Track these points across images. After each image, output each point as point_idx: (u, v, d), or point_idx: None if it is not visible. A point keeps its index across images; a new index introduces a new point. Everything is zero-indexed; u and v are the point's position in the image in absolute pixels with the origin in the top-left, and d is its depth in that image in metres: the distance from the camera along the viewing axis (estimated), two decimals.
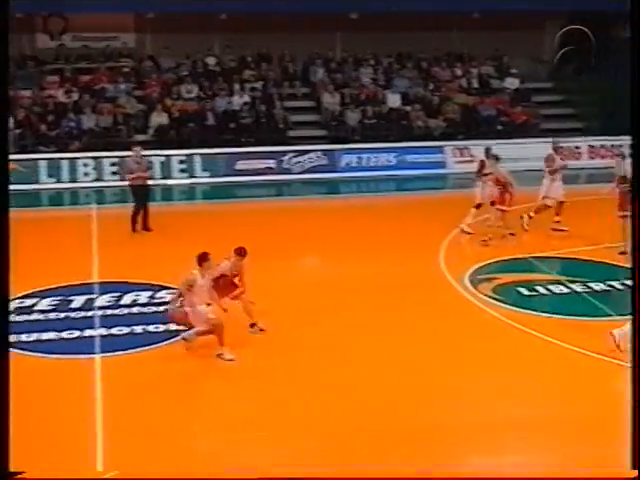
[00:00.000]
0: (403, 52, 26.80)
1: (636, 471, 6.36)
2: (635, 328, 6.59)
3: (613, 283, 14.49)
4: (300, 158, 22.59)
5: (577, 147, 23.99)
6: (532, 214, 17.12)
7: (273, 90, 25.04)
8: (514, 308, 13.37)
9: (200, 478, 8.50)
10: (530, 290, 14.14)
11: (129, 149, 22.63)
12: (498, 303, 13.60)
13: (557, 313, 13.22)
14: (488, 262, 15.40)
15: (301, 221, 18.27)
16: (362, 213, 19.26)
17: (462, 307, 13.57)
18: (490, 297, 13.85)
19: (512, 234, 17.03)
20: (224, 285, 12.01)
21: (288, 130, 24.49)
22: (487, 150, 17.72)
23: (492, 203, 16.92)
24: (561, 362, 11.65)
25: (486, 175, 16.98)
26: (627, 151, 17.75)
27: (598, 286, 14.33)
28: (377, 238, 17.02)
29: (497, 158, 17.25)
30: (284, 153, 22.66)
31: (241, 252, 12.01)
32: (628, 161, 16.62)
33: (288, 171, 22.45)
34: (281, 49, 26.21)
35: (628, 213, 15.73)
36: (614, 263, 15.50)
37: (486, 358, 11.74)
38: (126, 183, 17.49)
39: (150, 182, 17.42)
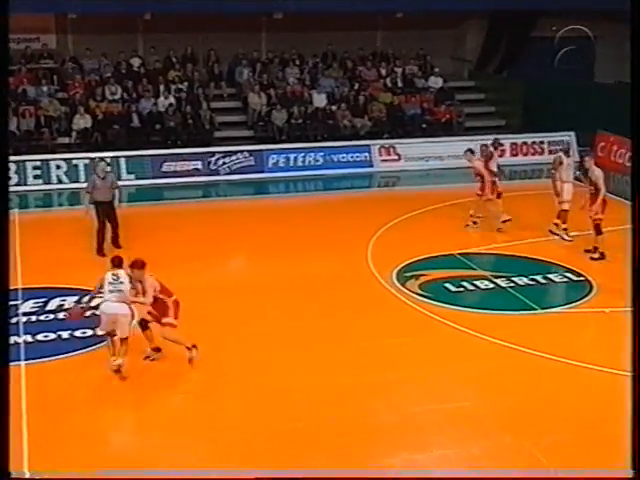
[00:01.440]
0: (328, 52, 26.87)
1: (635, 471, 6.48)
2: (635, 328, 6.74)
3: (536, 277, 14.82)
4: (227, 159, 22.46)
5: (500, 145, 24.30)
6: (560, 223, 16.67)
7: (199, 91, 24.85)
8: (441, 304, 13.56)
9: (199, 478, 8.45)
10: (457, 286, 14.35)
11: (52, 152, 22.45)
12: (425, 299, 13.78)
13: (483, 308, 13.47)
14: (415, 259, 15.56)
15: (229, 222, 18.19)
16: (290, 213, 19.28)
17: (390, 304, 13.71)
18: (417, 294, 14.02)
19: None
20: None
21: (215, 131, 24.34)
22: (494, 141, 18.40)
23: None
24: (487, 356, 11.88)
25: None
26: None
27: (522, 280, 14.63)
28: (305, 237, 17.07)
29: (472, 152, 17.86)
30: (211, 154, 22.49)
31: (135, 264, 11.13)
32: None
33: (215, 172, 22.30)
34: (206, 50, 26.04)
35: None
36: (537, 258, 15.87)
37: (415, 354, 11.90)
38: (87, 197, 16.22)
39: (114, 199, 16.22)
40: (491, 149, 18.03)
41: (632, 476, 6.49)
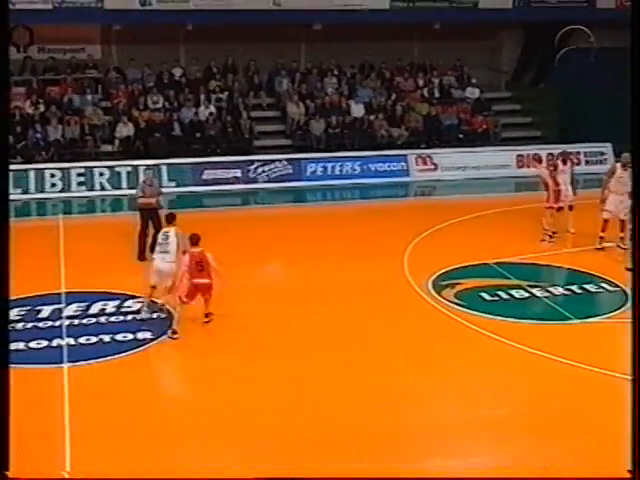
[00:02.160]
0: (366, 62, 26.89)
1: (635, 471, 6.44)
2: (635, 328, 6.67)
3: (572, 287, 14.67)
4: (266, 167, 22.58)
5: (536, 154, 24.21)
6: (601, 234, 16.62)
7: (239, 100, 25.01)
8: (477, 313, 13.47)
9: (201, 478, 8.48)
10: (492, 295, 14.25)
11: (96, 159, 22.71)
12: (461, 308, 13.70)
13: (518, 317, 13.35)
14: (451, 268, 15.48)
15: (268, 229, 18.25)
16: (327, 220, 19.31)
17: (426, 312, 13.66)
18: (453, 302, 13.94)
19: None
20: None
21: (254, 140, 24.48)
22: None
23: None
24: (522, 365, 11.78)
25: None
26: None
27: (557, 290, 14.51)
28: (342, 245, 17.06)
29: (539, 159, 18.98)
30: (250, 162, 22.63)
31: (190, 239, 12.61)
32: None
33: (254, 180, 22.42)
34: (246, 60, 26.19)
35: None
36: (573, 268, 15.72)
37: (449, 361, 11.84)
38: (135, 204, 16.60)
39: (157, 206, 16.25)
40: (557, 161, 17.95)
41: (632, 476, 6.42)
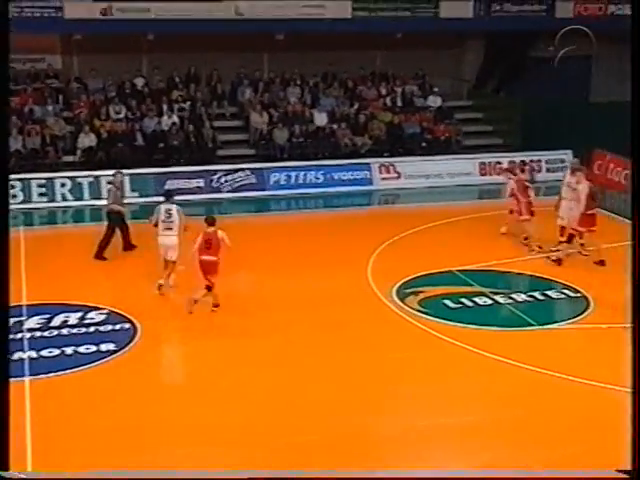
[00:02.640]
0: (329, 72, 26.93)
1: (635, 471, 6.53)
2: (635, 328, 6.76)
3: (534, 294, 14.82)
4: (229, 177, 22.50)
5: (499, 163, 24.43)
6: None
7: (201, 110, 24.92)
8: (441, 320, 13.56)
9: (199, 478, 8.48)
10: (455, 302, 14.35)
11: (57, 170, 22.47)
12: (425, 316, 13.78)
13: (482, 324, 13.45)
14: (414, 276, 15.57)
15: (231, 239, 18.16)
16: (291, 230, 19.29)
17: (390, 320, 13.71)
18: (417, 310, 14.02)
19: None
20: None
21: (217, 149, 24.39)
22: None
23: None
24: (486, 371, 11.87)
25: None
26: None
27: (520, 297, 14.64)
28: (306, 254, 17.06)
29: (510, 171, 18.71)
30: (213, 172, 22.54)
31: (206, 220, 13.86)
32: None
33: (217, 190, 22.34)
34: (209, 69, 26.13)
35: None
36: (534, 274, 15.87)
37: (414, 369, 11.90)
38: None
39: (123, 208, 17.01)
40: (516, 170, 18.33)
41: (632, 476, 6.51)
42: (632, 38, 7.10)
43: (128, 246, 16.99)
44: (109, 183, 17.71)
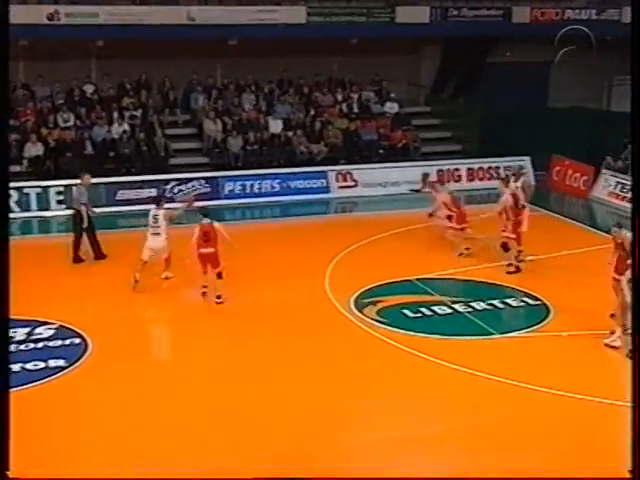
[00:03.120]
0: (284, 78, 27.01)
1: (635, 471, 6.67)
2: (636, 327, 6.87)
3: (494, 302, 14.97)
4: (182, 186, 22.42)
5: (457, 170, 24.68)
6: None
7: (153, 118, 24.81)
8: (399, 330, 13.64)
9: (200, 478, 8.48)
10: (414, 312, 14.44)
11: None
12: (383, 326, 13.85)
13: (441, 333, 13.56)
14: (372, 285, 15.64)
15: (185, 249, 18.10)
16: (247, 240, 19.16)
17: (348, 331, 13.75)
18: (375, 320, 14.09)
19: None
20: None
21: (169, 158, 24.28)
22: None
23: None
24: (446, 381, 11.96)
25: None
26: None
27: (479, 305, 14.77)
28: (262, 264, 17.04)
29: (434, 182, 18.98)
30: (166, 182, 22.45)
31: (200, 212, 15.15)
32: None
33: (170, 200, 22.19)
34: (161, 76, 26.03)
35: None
36: (494, 282, 16.03)
37: (374, 381, 11.94)
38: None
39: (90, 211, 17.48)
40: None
41: (631, 476, 6.65)
42: (632, 38, 7.23)
43: (99, 255, 17.24)
44: (76, 185, 17.89)
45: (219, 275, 14.86)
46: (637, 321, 6.92)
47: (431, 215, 18.11)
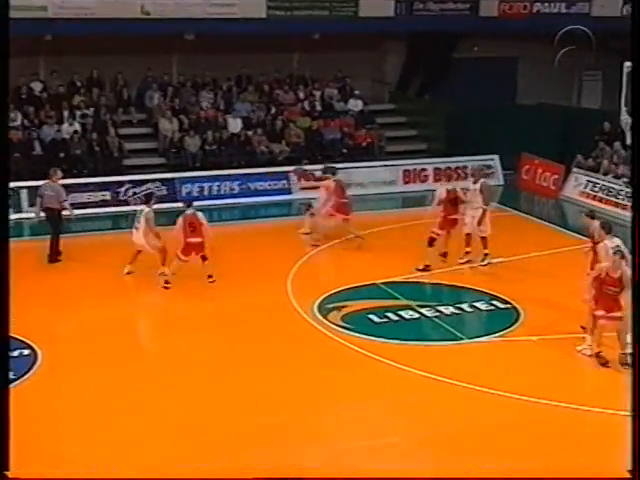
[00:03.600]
0: (243, 75, 26.93)
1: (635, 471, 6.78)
2: (635, 330, 6.96)
3: (462, 306, 15.06)
4: (137, 188, 22.26)
5: (423, 170, 24.79)
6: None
7: (106, 117, 24.60)
8: (365, 336, 13.67)
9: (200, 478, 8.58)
10: (381, 317, 14.49)
11: None
12: (349, 332, 13.88)
13: (408, 339, 13.61)
14: (337, 290, 15.66)
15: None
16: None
17: (312, 337, 13.77)
18: (340, 326, 14.11)
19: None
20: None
21: (123, 159, 24.10)
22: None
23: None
24: (414, 389, 12.02)
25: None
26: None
27: (448, 309, 14.85)
28: (222, 269, 16.95)
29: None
30: (120, 184, 22.29)
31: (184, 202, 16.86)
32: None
33: (125, 202, 22.07)
34: (113, 73, 25.84)
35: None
36: (462, 285, 16.12)
37: (339, 388, 11.97)
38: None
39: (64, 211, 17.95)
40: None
41: (632, 476, 6.76)
42: (632, 38, 7.33)
43: (54, 257, 17.37)
44: (46, 183, 18.14)
45: (204, 257, 15.92)
46: (637, 325, 7.07)
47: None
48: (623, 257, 12.24)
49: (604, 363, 12.40)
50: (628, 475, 7.09)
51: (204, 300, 15.34)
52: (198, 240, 15.87)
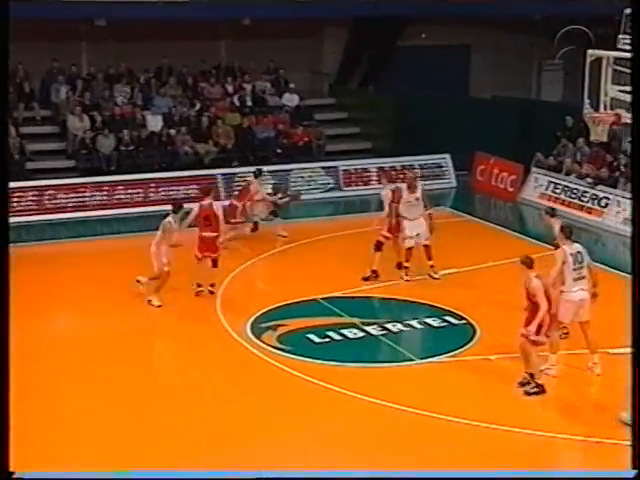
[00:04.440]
0: (164, 66, 26.83)
1: (635, 471, 6.98)
2: (635, 328, 7.11)
3: (412, 322, 15.15)
4: (42, 197, 22.07)
5: (366, 170, 24.93)
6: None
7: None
8: (304, 358, 13.69)
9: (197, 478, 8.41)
10: (321, 336, 14.51)
11: None
12: (285, 354, 13.87)
13: (353, 361, 13.66)
14: (271, 307, 15.66)
15: (46, 269, 17.83)
16: (122, 256, 19.01)
17: (245, 361, 13.74)
18: (276, 347, 14.10)
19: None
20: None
21: (26, 162, 23.83)
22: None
23: None
24: (359, 416, 12.05)
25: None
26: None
27: (396, 327, 14.92)
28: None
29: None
30: (22, 190, 22.01)
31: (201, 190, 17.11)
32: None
33: (27, 211, 21.81)
34: (13, 64, 25.53)
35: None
36: (411, 300, 16.20)
37: (277, 417, 11.96)
38: None
39: None
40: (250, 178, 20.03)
41: (634, 477, 6.89)
42: (632, 38, 7.49)
43: None
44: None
45: (215, 263, 16.13)
46: (637, 328, 7.30)
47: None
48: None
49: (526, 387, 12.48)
50: None
51: (121, 318, 15.21)
52: (213, 235, 16.10)
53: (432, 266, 17.09)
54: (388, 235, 17.06)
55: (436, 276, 17.07)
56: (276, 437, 11.45)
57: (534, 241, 18.89)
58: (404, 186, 17.24)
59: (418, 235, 16.93)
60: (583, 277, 12.87)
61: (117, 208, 22.51)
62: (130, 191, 22.87)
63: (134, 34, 25.17)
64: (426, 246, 17.10)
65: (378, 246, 17.02)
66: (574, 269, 12.79)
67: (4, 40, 6.68)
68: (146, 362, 13.80)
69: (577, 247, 13.22)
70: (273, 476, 8.74)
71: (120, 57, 26.10)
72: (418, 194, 17.08)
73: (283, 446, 11.22)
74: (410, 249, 17.07)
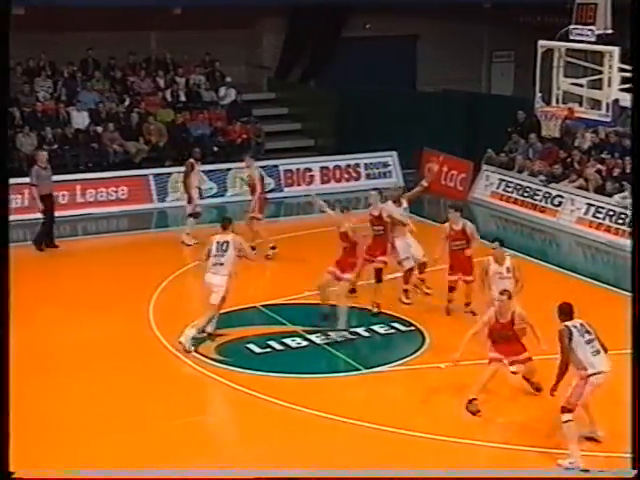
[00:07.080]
0: (89, 58, 26.64)
1: (635, 471, 7.30)
2: (635, 327, 7.26)
3: (358, 330, 15.25)
4: None
5: (309, 170, 25.01)
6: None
7: None
8: (244, 370, 13.72)
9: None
10: (262, 346, 14.57)
11: None
12: (224, 365, 13.89)
13: (296, 372, 13.73)
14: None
15: None
16: (45, 264, 18.91)
17: (180, 375, 13.72)
18: (214, 359, 14.10)
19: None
20: None
21: None
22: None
23: None
24: (303, 430, 12.13)
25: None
26: None
27: (340, 335, 15.00)
28: (66, 294, 16.80)
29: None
30: None
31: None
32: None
33: None
34: None
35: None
36: (357, 305, 16.25)
37: (218, 434, 12.03)
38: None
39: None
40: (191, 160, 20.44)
41: (633, 476, 7.08)
42: (632, 38, 7.66)
43: (50, 243, 19.58)
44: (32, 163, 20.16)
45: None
46: (638, 328, 7.48)
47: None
48: (510, 297, 12.32)
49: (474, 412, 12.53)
50: None
51: (44, 333, 15.10)
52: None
53: (422, 280, 16.89)
54: (386, 260, 16.31)
55: (428, 291, 16.84)
56: (216, 455, 11.48)
57: (484, 242, 19.01)
58: (389, 202, 16.79)
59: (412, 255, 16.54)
60: None
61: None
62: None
63: (56, 23, 24.96)
64: (423, 264, 16.71)
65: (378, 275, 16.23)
66: None
67: (4, 42, 7.00)
68: (75, 378, 13.72)
69: (507, 263, 14.02)
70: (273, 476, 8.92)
71: (41, 49, 25.78)
72: (403, 208, 16.80)
73: (223, 463, 11.27)
74: (410, 270, 16.58)
